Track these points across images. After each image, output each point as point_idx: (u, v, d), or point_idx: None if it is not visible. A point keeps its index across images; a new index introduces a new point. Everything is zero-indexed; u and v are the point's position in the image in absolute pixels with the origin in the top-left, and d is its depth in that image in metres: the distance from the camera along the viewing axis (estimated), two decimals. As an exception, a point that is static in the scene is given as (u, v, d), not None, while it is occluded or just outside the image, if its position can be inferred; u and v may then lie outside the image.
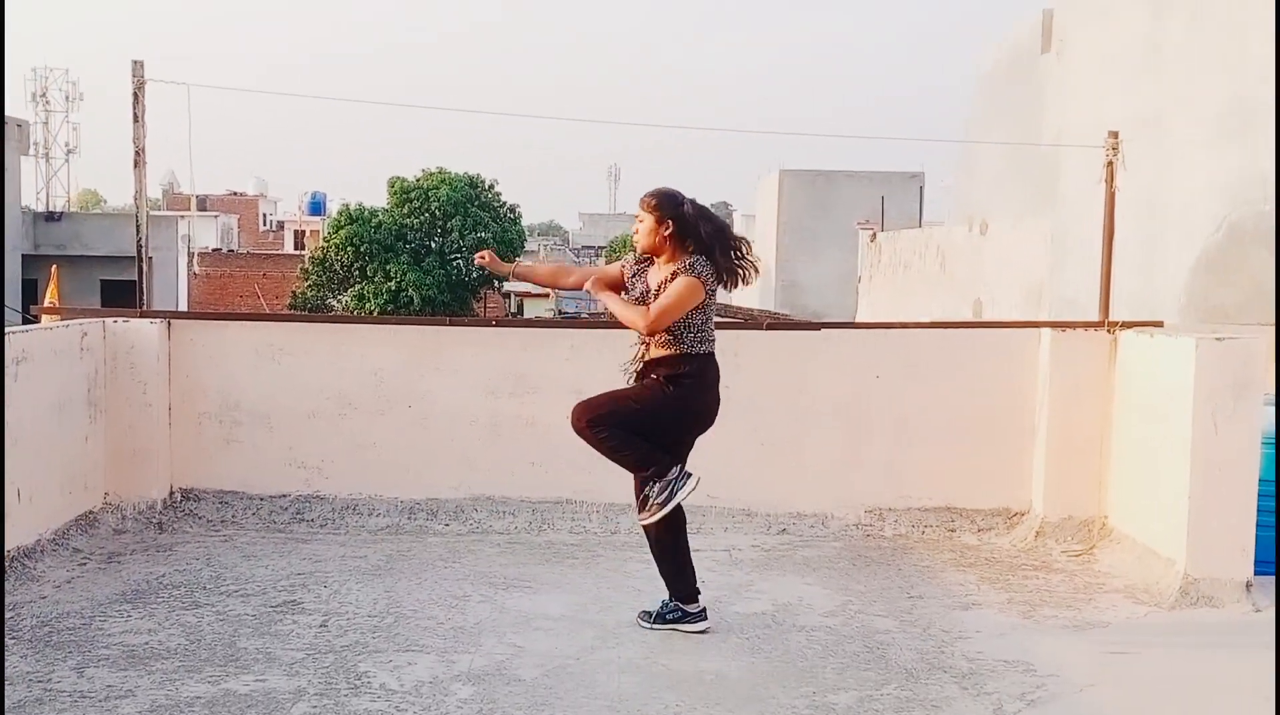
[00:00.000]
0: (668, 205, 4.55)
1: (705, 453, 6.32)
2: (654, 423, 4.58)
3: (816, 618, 4.91)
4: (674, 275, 4.50)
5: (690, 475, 4.57)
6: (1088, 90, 11.31)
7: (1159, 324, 6.48)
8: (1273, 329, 5.94)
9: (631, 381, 4.66)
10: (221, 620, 4.69)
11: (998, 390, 6.41)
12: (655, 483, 4.55)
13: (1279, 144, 6.65)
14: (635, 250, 4.71)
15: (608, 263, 4.51)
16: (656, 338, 4.54)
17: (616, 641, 4.56)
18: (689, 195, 4.61)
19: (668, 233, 4.53)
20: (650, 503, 4.54)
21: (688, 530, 4.77)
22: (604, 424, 4.54)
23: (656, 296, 4.50)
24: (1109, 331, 6.25)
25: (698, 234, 4.52)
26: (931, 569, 5.72)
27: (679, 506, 4.58)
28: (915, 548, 6.11)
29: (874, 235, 22.11)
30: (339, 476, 6.38)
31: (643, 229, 4.57)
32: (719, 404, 4.66)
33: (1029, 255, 13.80)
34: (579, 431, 4.59)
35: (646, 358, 4.60)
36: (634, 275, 4.67)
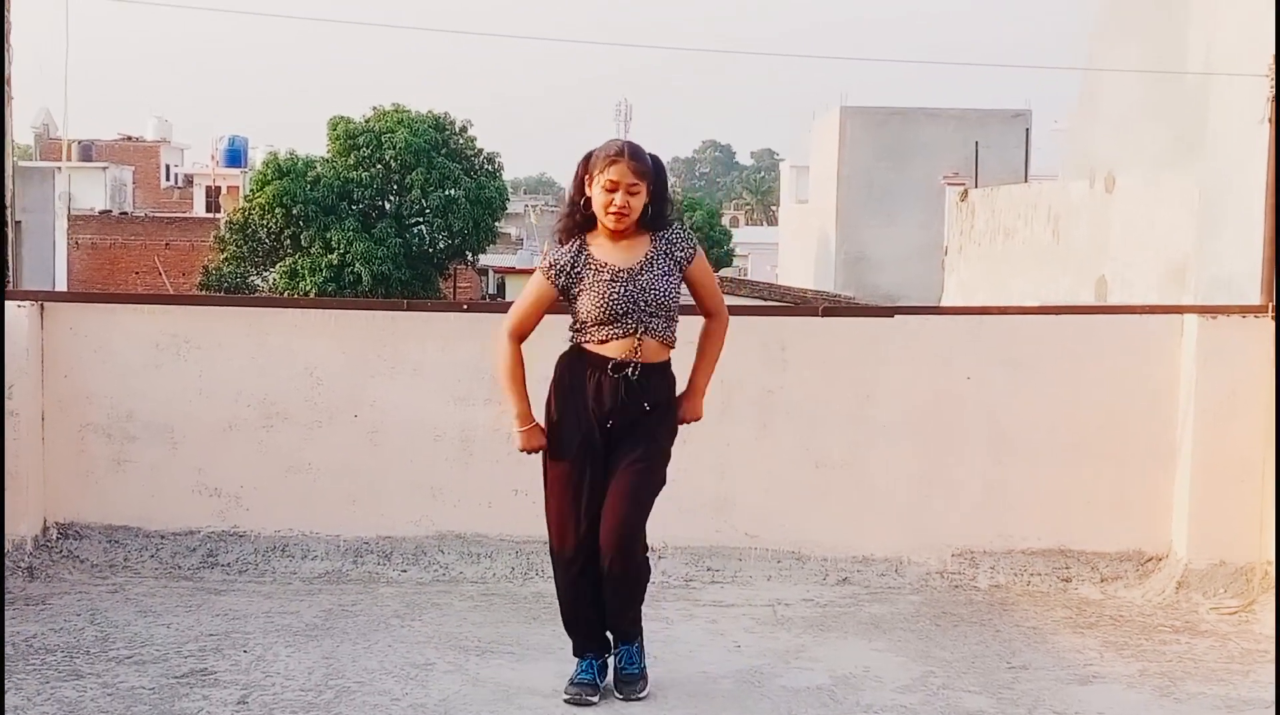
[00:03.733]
0: (657, 168, 4.75)
1: (743, 478, 6.39)
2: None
3: (888, 694, 4.92)
4: (685, 252, 4.76)
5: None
6: (1247, 1, 11.26)
7: (1341, 309, 6.45)
8: None
9: (613, 404, 4.69)
10: (110, 695, 4.71)
11: (1127, 396, 6.41)
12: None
13: (1278, 132, 6.65)
14: (565, 232, 4.75)
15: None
16: (658, 331, 4.68)
17: (625, 724, 4.57)
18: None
19: (648, 202, 4.73)
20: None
21: (716, 579, 4.82)
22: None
23: (637, 276, 4.65)
24: (1274, 318, 6.23)
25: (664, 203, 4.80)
26: (1039, 631, 5.72)
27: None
28: (1018, 603, 6.11)
29: (965, 193, 22.09)
30: (263, 508, 6.41)
31: (636, 204, 4.66)
32: None
33: (1170, 220, 13.75)
34: (630, 568, 4.74)
35: (642, 359, 4.68)
36: (574, 268, 4.70)
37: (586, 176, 4.67)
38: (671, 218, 4.79)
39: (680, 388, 4.89)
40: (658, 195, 4.71)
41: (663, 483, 4.79)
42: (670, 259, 4.71)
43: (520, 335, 4.78)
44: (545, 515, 4.79)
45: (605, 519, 4.67)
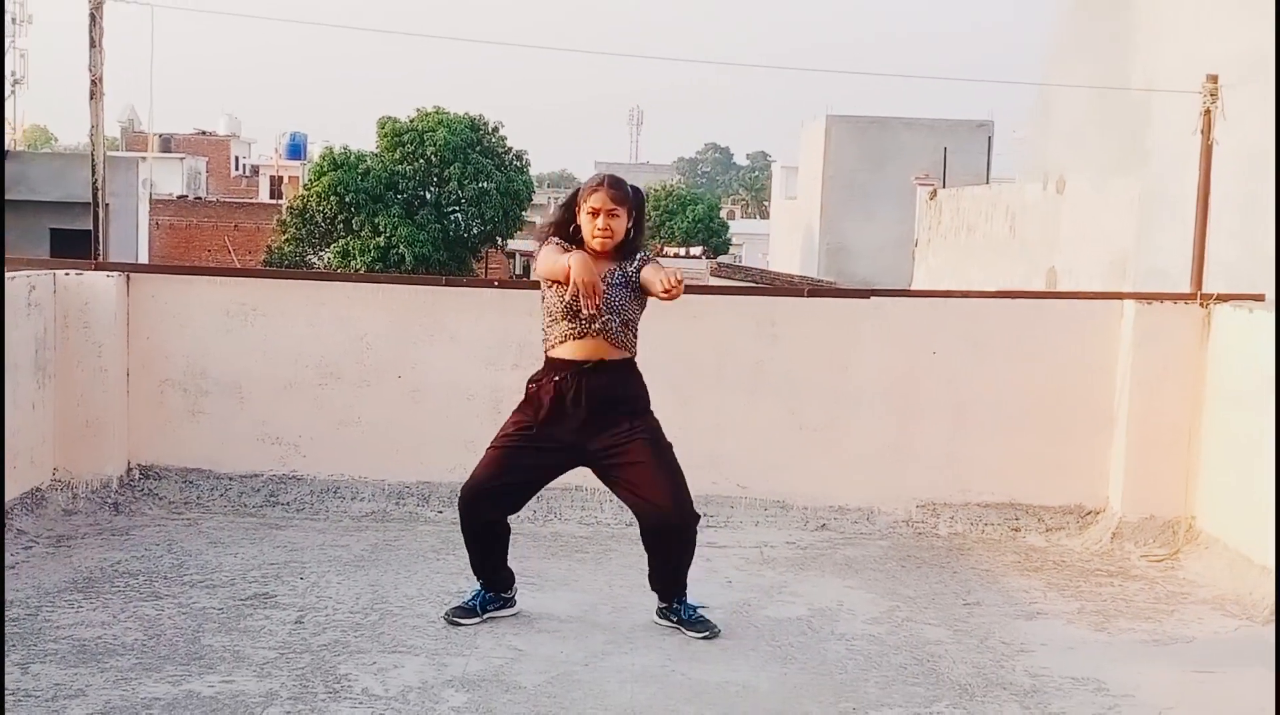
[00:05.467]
0: (636, 198, 4.68)
1: (736, 437, 6.40)
2: None
3: (859, 625, 4.94)
4: (636, 264, 4.58)
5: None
6: (1184, 27, 11.20)
7: (1260, 298, 6.44)
8: None
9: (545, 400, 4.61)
10: (184, 614, 4.74)
11: (1072, 371, 6.40)
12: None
13: (1279, 126, 6.62)
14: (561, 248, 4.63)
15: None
16: (609, 332, 4.56)
17: (630, 647, 4.59)
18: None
19: (629, 226, 4.65)
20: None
21: (710, 524, 4.81)
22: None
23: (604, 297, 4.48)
24: (1201, 305, 6.22)
25: (641, 230, 4.72)
26: (991, 573, 5.74)
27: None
28: (973, 548, 6.13)
29: (934, 193, 22.04)
30: (318, 455, 6.43)
31: (617, 226, 4.60)
32: None
33: (1113, 219, 13.73)
34: (688, 530, 4.65)
35: (595, 356, 4.57)
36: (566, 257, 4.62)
37: (576, 205, 4.66)
38: (641, 246, 4.69)
39: (652, 394, 4.73)
40: (637, 222, 4.66)
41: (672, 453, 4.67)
42: (625, 273, 4.59)
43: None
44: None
45: (654, 496, 4.56)
